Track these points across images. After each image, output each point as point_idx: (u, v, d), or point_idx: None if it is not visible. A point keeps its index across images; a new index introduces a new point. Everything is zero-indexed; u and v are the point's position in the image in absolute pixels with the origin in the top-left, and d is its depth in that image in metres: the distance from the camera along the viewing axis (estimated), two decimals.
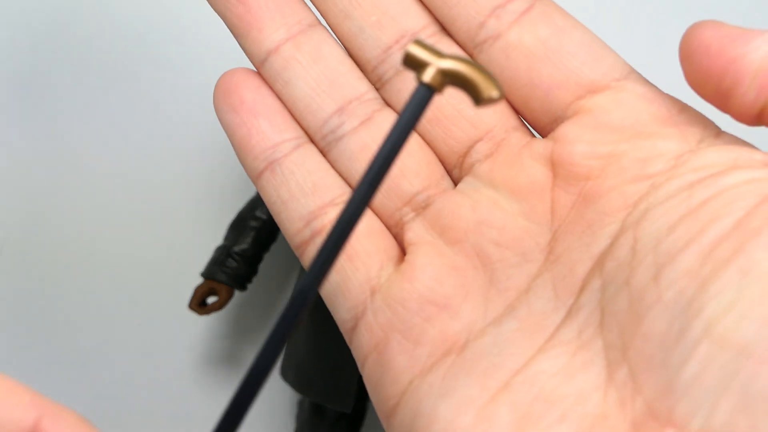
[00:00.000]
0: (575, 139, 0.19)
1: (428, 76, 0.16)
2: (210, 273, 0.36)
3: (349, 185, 0.22)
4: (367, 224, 0.21)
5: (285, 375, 0.37)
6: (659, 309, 0.16)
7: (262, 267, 0.37)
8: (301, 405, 0.38)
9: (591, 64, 0.20)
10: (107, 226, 0.39)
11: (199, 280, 0.37)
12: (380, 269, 0.20)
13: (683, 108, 0.19)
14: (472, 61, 0.16)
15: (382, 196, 0.21)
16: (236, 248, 0.36)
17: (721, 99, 0.18)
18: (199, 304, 0.37)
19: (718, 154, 0.18)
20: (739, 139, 0.19)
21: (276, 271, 0.39)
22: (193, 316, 0.38)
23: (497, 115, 0.21)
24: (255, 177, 0.22)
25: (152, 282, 0.39)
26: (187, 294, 0.37)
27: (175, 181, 0.39)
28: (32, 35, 0.38)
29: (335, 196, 0.21)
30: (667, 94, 0.20)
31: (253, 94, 0.22)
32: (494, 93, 0.16)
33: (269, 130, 0.22)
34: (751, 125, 0.18)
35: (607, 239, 0.18)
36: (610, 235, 0.18)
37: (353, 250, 0.21)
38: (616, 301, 0.17)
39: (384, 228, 0.21)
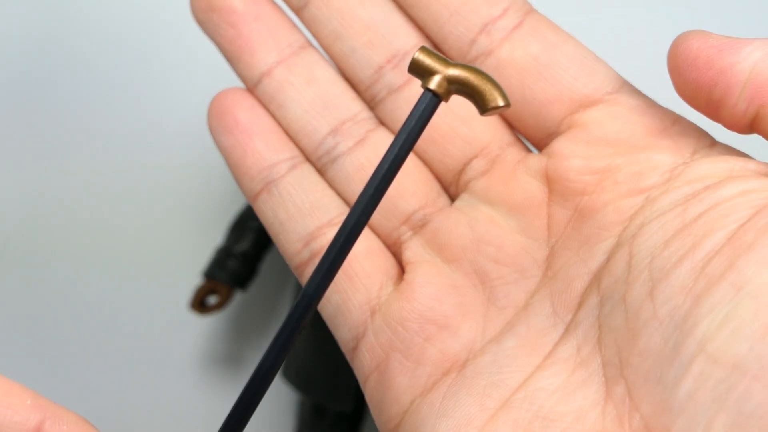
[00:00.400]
0: (569, 155, 0.19)
1: (434, 83, 0.16)
2: (211, 273, 0.36)
3: (347, 205, 0.22)
4: (366, 244, 0.21)
5: (286, 375, 0.37)
6: (654, 325, 0.16)
7: (263, 267, 0.37)
8: (301, 405, 0.38)
9: (584, 78, 0.20)
10: (107, 227, 0.39)
11: (199, 280, 0.37)
12: (380, 289, 0.20)
13: (677, 119, 0.19)
14: (479, 69, 0.16)
15: (379, 216, 0.21)
16: (237, 248, 0.36)
17: (712, 110, 0.18)
18: (199, 304, 0.37)
19: (712, 165, 0.18)
20: (733, 148, 0.19)
21: (276, 271, 0.39)
22: (194, 316, 0.38)
23: (492, 132, 0.21)
24: (252, 198, 0.22)
25: (152, 282, 0.39)
26: (187, 294, 0.37)
27: (176, 181, 0.39)
28: (33, 39, 0.38)
29: (333, 217, 0.21)
30: (660, 106, 0.19)
31: (247, 115, 0.22)
32: (500, 101, 0.16)
33: (265, 150, 0.22)
34: (743, 134, 0.18)
35: (603, 254, 0.18)
36: (606, 250, 0.18)
37: (353, 270, 0.21)
38: (613, 317, 0.17)
39: (383, 247, 0.21)
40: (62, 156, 0.38)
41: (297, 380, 0.36)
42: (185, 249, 0.39)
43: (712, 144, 0.19)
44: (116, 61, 0.38)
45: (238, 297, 0.39)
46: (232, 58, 0.22)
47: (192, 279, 0.37)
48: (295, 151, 0.22)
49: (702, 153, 0.18)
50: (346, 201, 0.22)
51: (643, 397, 0.16)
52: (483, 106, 0.16)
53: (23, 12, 0.38)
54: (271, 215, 0.22)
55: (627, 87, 0.20)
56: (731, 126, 0.18)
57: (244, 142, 0.22)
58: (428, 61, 0.16)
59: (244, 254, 0.36)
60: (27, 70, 0.38)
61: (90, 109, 0.38)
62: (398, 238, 0.21)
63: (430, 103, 0.16)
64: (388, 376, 0.19)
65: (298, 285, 0.37)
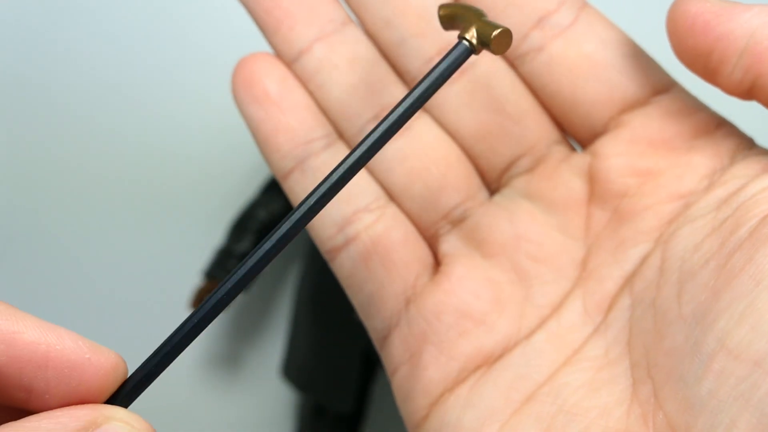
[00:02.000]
0: (612, 154, 0.19)
1: (470, 34, 0.17)
2: (211, 273, 0.36)
3: (385, 191, 0.21)
4: (403, 232, 0.20)
5: (286, 376, 0.37)
6: (679, 324, 0.16)
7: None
8: (302, 406, 0.38)
9: (635, 78, 0.19)
10: (108, 227, 0.39)
11: (199, 280, 0.37)
12: (416, 278, 0.20)
13: (721, 122, 0.19)
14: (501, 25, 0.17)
15: (419, 208, 0.21)
16: (237, 248, 0.36)
17: (710, 76, 0.18)
18: (199, 305, 0.37)
19: (745, 167, 0.18)
20: None
21: (276, 271, 0.39)
22: None
23: (541, 130, 0.20)
24: (282, 176, 0.21)
25: (152, 282, 0.39)
26: (187, 294, 0.37)
27: (176, 181, 0.38)
28: (31, 29, 0.38)
29: (370, 201, 0.20)
30: (706, 108, 0.19)
31: (278, 87, 0.21)
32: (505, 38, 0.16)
33: (299, 126, 0.21)
34: (743, 100, 0.18)
35: (638, 258, 0.18)
36: (641, 255, 0.18)
37: (390, 260, 0.20)
38: (644, 320, 0.17)
39: (419, 236, 0.21)
40: (62, 156, 0.38)
41: (297, 380, 0.36)
42: (185, 249, 0.39)
43: (752, 146, 0.19)
44: (116, 59, 0.38)
45: (238, 297, 0.38)
46: (268, 31, 0.21)
47: (192, 279, 0.37)
48: (329, 128, 0.21)
49: (740, 156, 0.18)
50: (384, 188, 0.21)
51: (666, 396, 0.15)
52: (488, 44, 0.17)
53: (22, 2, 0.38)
54: (303, 196, 0.20)
55: (676, 87, 0.19)
56: (730, 92, 0.18)
57: (275, 117, 0.21)
58: (465, 13, 0.17)
59: (244, 254, 0.36)
60: (23, 63, 0.38)
61: (90, 108, 0.38)
62: (436, 232, 0.21)
63: (463, 56, 0.17)
64: (420, 368, 0.19)
65: (298, 285, 0.37)
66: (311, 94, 0.21)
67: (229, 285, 0.16)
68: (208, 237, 0.38)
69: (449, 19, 0.17)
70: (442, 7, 0.18)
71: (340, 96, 0.21)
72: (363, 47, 0.21)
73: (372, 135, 0.16)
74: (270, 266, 0.40)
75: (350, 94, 0.21)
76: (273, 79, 0.21)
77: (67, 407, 0.13)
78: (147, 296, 0.39)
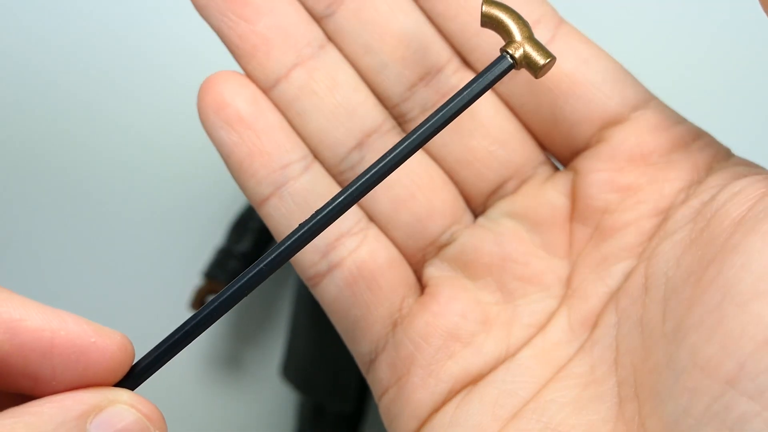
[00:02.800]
0: (593, 170, 0.19)
1: (519, 53, 0.17)
2: (211, 273, 0.36)
3: (367, 216, 0.20)
4: (388, 254, 0.20)
5: (286, 376, 0.37)
6: (662, 341, 0.16)
7: None
8: (301, 405, 0.38)
9: (615, 95, 0.19)
10: (107, 227, 0.39)
11: (199, 280, 0.37)
12: (402, 301, 0.20)
13: (698, 134, 0.19)
14: (544, 45, 0.17)
15: (406, 236, 0.20)
16: (237, 248, 0.36)
17: None
18: (199, 305, 0.37)
19: (720, 176, 0.18)
20: (747, 161, 0.18)
21: (276, 271, 0.39)
22: None
23: (527, 153, 0.20)
24: (258, 203, 0.20)
25: (152, 282, 0.39)
26: (187, 294, 0.37)
27: (176, 181, 0.38)
28: (33, 34, 0.38)
29: (352, 225, 0.20)
30: (684, 121, 0.19)
31: (251, 108, 0.19)
32: (551, 61, 0.17)
33: (274, 150, 0.19)
34: None
35: (621, 275, 0.18)
36: (624, 271, 0.18)
37: (377, 284, 0.20)
38: (631, 338, 0.17)
39: (402, 258, 0.20)
40: (62, 156, 0.38)
41: (297, 380, 0.36)
42: (185, 249, 0.39)
43: (728, 157, 0.19)
44: (116, 59, 0.38)
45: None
46: (242, 57, 0.20)
47: (192, 279, 0.37)
48: (305, 150, 0.20)
49: (717, 168, 0.18)
50: (369, 216, 0.20)
51: (648, 413, 0.15)
52: (536, 73, 0.17)
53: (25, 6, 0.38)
54: (283, 223, 0.20)
55: (654, 102, 0.20)
56: None
57: (249, 141, 0.19)
58: (514, 25, 0.17)
59: (245, 254, 0.36)
60: (27, 64, 0.38)
61: (91, 108, 0.38)
62: (423, 256, 0.20)
63: (507, 70, 0.17)
64: (408, 390, 0.19)
65: (298, 285, 0.37)
66: (290, 121, 0.20)
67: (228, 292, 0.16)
68: (208, 237, 0.38)
69: (493, 20, 0.17)
70: (487, 2, 0.17)
71: (321, 124, 0.20)
72: (342, 72, 0.20)
73: (407, 140, 0.16)
74: None
75: (331, 122, 0.20)
76: (244, 100, 0.19)
77: (71, 391, 0.13)
78: (147, 296, 0.39)
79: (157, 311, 0.39)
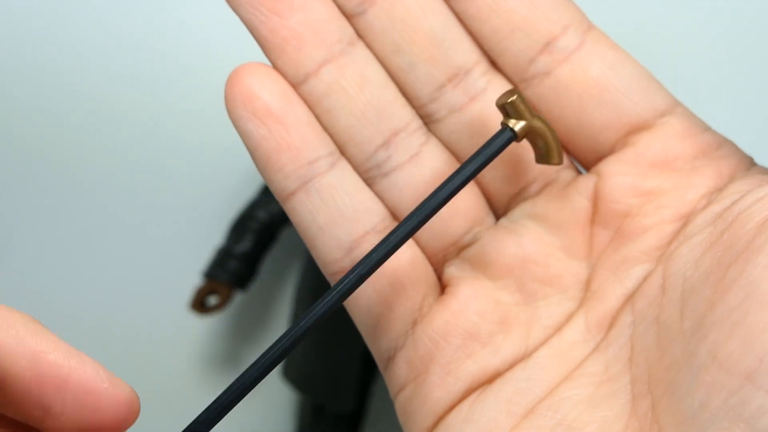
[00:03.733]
0: (616, 174, 0.19)
1: (519, 127, 0.18)
2: (211, 273, 0.36)
3: (392, 214, 0.20)
4: (412, 253, 0.20)
5: (286, 376, 0.37)
6: (679, 339, 0.16)
7: (263, 267, 0.37)
8: (302, 405, 0.38)
9: (642, 102, 0.19)
10: (107, 226, 0.39)
11: (199, 280, 0.37)
12: (423, 299, 0.20)
13: (722, 143, 0.19)
14: (551, 126, 0.19)
15: (428, 236, 0.20)
16: (237, 248, 0.36)
17: None
18: (199, 305, 0.37)
19: (742, 183, 0.18)
20: None
21: (276, 271, 0.39)
22: (194, 317, 0.38)
23: None
24: (284, 197, 0.20)
25: (152, 282, 0.39)
26: (187, 294, 0.37)
27: (176, 181, 0.38)
28: (35, 33, 0.38)
29: (376, 223, 0.20)
30: (708, 129, 0.20)
31: (280, 103, 0.20)
32: (557, 159, 0.19)
33: (302, 145, 0.20)
34: None
35: (640, 277, 0.18)
36: (643, 274, 0.18)
37: (400, 283, 0.20)
38: (646, 337, 0.17)
39: (424, 257, 0.20)
40: (62, 155, 0.38)
41: (297, 380, 0.36)
42: (185, 249, 0.39)
43: (751, 166, 0.19)
44: (118, 58, 0.38)
45: (238, 297, 0.38)
46: (272, 52, 0.20)
47: (192, 279, 0.37)
48: (333, 146, 0.20)
49: (739, 176, 0.18)
50: (392, 214, 0.21)
51: (663, 409, 0.16)
52: (544, 159, 0.19)
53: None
54: (308, 218, 0.20)
55: (679, 108, 0.20)
56: None
57: (278, 135, 0.20)
58: (521, 106, 0.18)
59: (245, 254, 0.36)
60: (28, 65, 0.38)
61: (92, 108, 0.38)
62: (444, 256, 0.21)
63: (507, 142, 0.18)
64: (426, 388, 0.19)
65: (298, 285, 0.37)
66: (318, 118, 0.20)
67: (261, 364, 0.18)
68: (208, 237, 0.38)
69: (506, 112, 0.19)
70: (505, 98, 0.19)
71: (349, 121, 0.20)
72: (372, 69, 0.20)
73: (413, 216, 0.18)
74: (270, 266, 0.40)
75: (359, 119, 0.20)
76: (274, 94, 0.20)
77: None
78: (147, 296, 0.39)
79: (157, 311, 0.39)
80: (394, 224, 0.20)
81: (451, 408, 0.19)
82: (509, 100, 0.18)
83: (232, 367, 0.40)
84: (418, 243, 0.21)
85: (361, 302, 0.20)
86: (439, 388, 0.19)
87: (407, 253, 0.20)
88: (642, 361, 0.17)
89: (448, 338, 0.19)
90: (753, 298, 0.14)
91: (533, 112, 0.19)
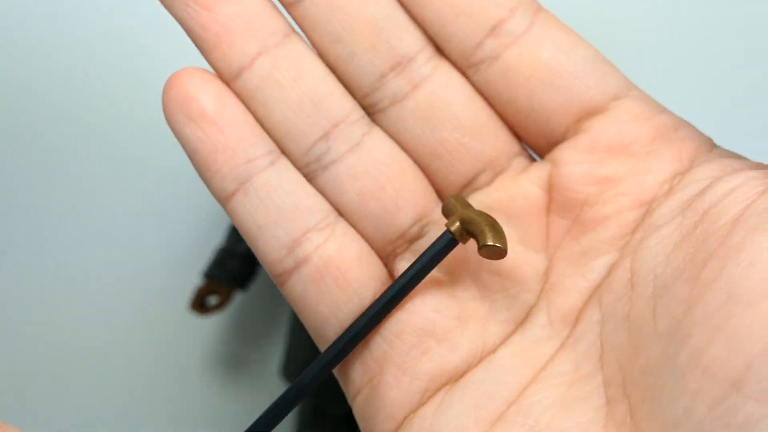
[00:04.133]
0: (572, 161, 0.19)
1: (454, 225, 0.18)
2: (211, 273, 0.36)
3: (336, 209, 0.20)
4: (358, 249, 0.19)
5: (286, 376, 0.37)
6: (654, 340, 0.15)
7: (263, 267, 0.37)
8: (302, 407, 0.38)
9: (594, 85, 0.19)
10: (107, 226, 0.39)
11: (199, 280, 0.37)
12: (373, 297, 0.19)
13: (679, 124, 0.19)
14: (490, 216, 0.18)
15: (374, 229, 0.20)
16: (237, 248, 0.36)
17: None
18: (199, 305, 0.37)
19: (706, 168, 0.17)
20: (732, 152, 0.18)
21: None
22: (194, 317, 0.38)
23: (501, 144, 0.20)
24: (223, 199, 0.20)
25: (152, 282, 0.39)
26: (187, 294, 0.37)
27: (176, 181, 0.38)
28: (28, 39, 0.38)
29: (319, 220, 0.20)
30: (665, 111, 0.19)
31: (215, 104, 0.20)
32: (499, 245, 0.18)
33: (238, 145, 0.20)
34: None
35: (603, 269, 0.18)
36: (607, 265, 0.18)
37: (344, 277, 0.19)
38: (616, 336, 0.16)
39: (373, 252, 0.20)
40: (63, 155, 0.38)
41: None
42: (185, 249, 0.39)
43: (712, 148, 0.18)
44: (119, 57, 0.38)
45: (238, 297, 0.38)
46: (206, 47, 0.20)
47: (192, 279, 0.37)
48: (272, 145, 0.20)
49: (701, 158, 0.18)
50: (336, 208, 0.20)
51: (643, 416, 0.15)
52: (484, 251, 0.18)
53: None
54: (248, 219, 0.20)
55: (634, 91, 0.19)
56: None
57: (213, 136, 0.20)
58: (454, 203, 0.18)
59: (245, 254, 0.36)
60: (23, 67, 0.38)
61: (92, 107, 0.38)
62: (393, 251, 0.20)
63: (447, 244, 0.18)
64: (382, 391, 0.19)
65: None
66: (253, 113, 0.20)
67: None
68: (208, 237, 0.38)
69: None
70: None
71: (285, 114, 0.20)
72: (309, 61, 0.20)
73: (358, 321, 0.18)
74: None
75: (295, 112, 0.20)
76: (209, 96, 0.20)
77: None
78: (147, 296, 0.39)
79: (157, 311, 0.39)
80: (339, 221, 0.20)
81: (411, 412, 0.18)
82: (444, 203, 0.18)
83: (232, 367, 0.40)
84: (364, 237, 0.20)
85: (306, 302, 0.20)
86: (396, 389, 0.18)
87: (353, 249, 0.19)
88: (613, 361, 0.16)
89: (402, 336, 0.19)
90: (736, 300, 0.14)
91: (467, 205, 0.18)
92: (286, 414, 0.18)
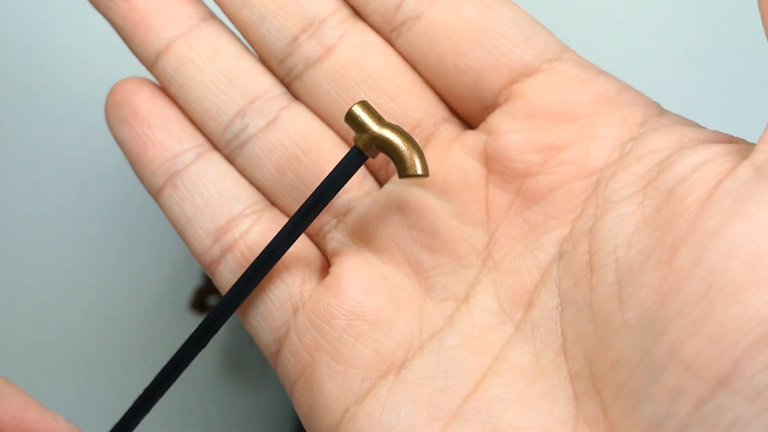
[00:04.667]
0: (509, 130, 0.18)
1: (362, 142, 0.17)
2: None
3: (260, 193, 0.20)
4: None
5: None
6: (624, 332, 0.14)
7: None
8: None
9: (522, 44, 0.18)
10: (107, 226, 0.39)
11: (199, 280, 0.37)
12: (302, 284, 0.19)
13: (621, 88, 0.18)
14: (407, 134, 0.17)
15: (296, 204, 0.19)
16: None
17: None
18: (199, 305, 0.37)
19: (661, 138, 0.16)
20: (682, 117, 0.17)
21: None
22: (194, 317, 0.38)
23: (424, 107, 0.19)
24: (155, 193, 0.21)
25: (152, 282, 0.39)
26: (187, 294, 0.37)
27: None
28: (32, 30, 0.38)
29: (245, 207, 0.19)
30: (605, 73, 0.18)
31: (146, 104, 0.20)
32: (420, 170, 0.17)
33: (167, 140, 0.20)
34: None
35: (554, 246, 0.17)
36: (557, 242, 0.17)
37: (269, 265, 0.19)
38: (580, 324, 0.15)
39: (305, 237, 0.19)
40: (63, 155, 0.38)
41: None
42: (185, 249, 0.39)
43: (661, 113, 0.17)
44: (119, 56, 0.38)
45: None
46: (127, 37, 0.20)
47: (192, 279, 0.37)
48: (201, 140, 0.20)
49: (650, 124, 0.17)
50: (258, 188, 0.20)
51: (618, 415, 0.14)
52: (402, 171, 0.17)
53: None
54: (177, 211, 0.20)
55: (568, 53, 0.18)
56: None
57: (143, 133, 0.20)
58: (362, 117, 0.17)
59: None
60: (23, 60, 0.38)
61: (92, 107, 0.38)
62: (321, 228, 0.19)
63: (354, 159, 0.17)
64: (317, 381, 0.18)
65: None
66: (173, 96, 0.20)
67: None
68: None
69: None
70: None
71: (201, 93, 0.20)
72: (223, 40, 0.20)
73: (276, 239, 0.17)
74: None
75: (211, 90, 0.20)
76: (140, 97, 0.20)
77: None
78: (147, 296, 0.39)
79: (157, 311, 0.39)
80: (268, 208, 0.20)
81: (353, 404, 0.17)
82: (349, 110, 0.17)
83: (231, 367, 0.40)
84: (287, 215, 0.19)
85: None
86: (331, 379, 0.17)
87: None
88: (579, 354, 0.15)
89: (332, 322, 0.18)
90: (717, 290, 0.13)
91: (382, 120, 0.17)
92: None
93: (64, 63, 0.38)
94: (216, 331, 0.18)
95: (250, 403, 0.40)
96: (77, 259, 0.39)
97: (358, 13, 0.20)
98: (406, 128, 0.19)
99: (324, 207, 0.17)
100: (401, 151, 0.17)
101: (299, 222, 0.17)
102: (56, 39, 0.38)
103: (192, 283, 0.37)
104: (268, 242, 0.17)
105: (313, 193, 0.17)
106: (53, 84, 0.38)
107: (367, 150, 0.17)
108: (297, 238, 0.18)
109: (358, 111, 0.17)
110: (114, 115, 0.21)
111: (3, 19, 0.38)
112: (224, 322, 0.18)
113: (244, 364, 0.40)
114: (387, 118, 0.18)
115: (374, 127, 0.17)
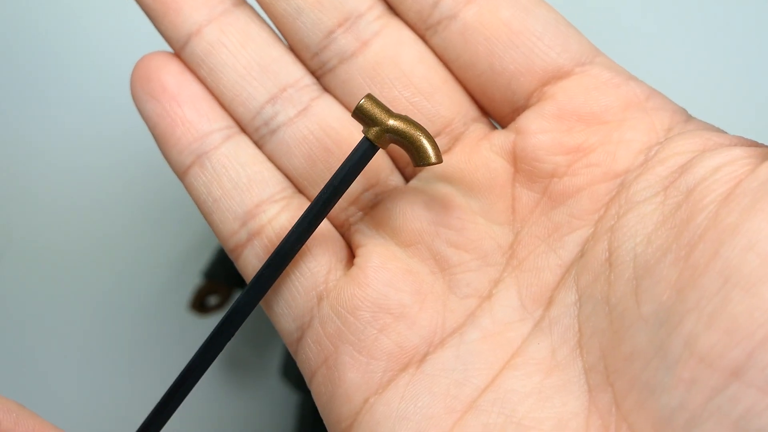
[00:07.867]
0: (538, 130, 0.18)
1: (373, 134, 0.17)
2: (211, 273, 0.36)
3: (289, 180, 0.20)
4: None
5: (286, 376, 0.37)
6: (639, 326, 0.14)
7: None
8: (302, 406, 0.38)
9: (558, 47, 0.18)
10: (107, 226, 0.39)
11: (199, 280, 0.37)
12: (328, 273, 0.19)
13: (651, 93, 0.18)
14: (418, 123, 0.17)
15: None
16: None
17: None
18: (199, 305, 0.37)
19: (686, 142, 0.16)
20: (709, 124, 0.17)
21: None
22: (194, 316, 0.38)
23: (456, 107, 0.19)
24: (181, 173, 0.20)
25: (152, 282, 0.39)
26: (187, 294, 0.37)
27: (176, 181, 0.38)
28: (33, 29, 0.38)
29: (274, 192, 0.19)
30: (635, 79, 0.18)
31: (175, 80, 0.20)
32: (433, 158, 0.17)
33: (196, 119, 0.20)
34: None
35: (577, 245, 0.17)
36: (580, 241, 0.17)
37: (298, 252, 0.19)
38: (596, 319, 0.16)
39: (331, 227, 0.19)
40: (63, 154, 0.38)
41: (297, 380, 0.36)
42: (185, 249, 0.39)
43: (687, 120, 0.18)
44: (119, 55, 0.38)
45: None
46: (155, 17, 0.20)
47: (192, 279, 0.37)
48: (230, 120, 0.20)
49: (677, 129, 0.17)
50: (287, 176, 0.20)
51: (630, 406, 0.14)
52: (417, 161, 0.17)
53: None
54: (203, 192, 0.20)
55: (600, 57, 0.19)
56: None
57: (172, 110, 0.20)
58: (372, 110, 0.17)
59: None
60: (22, 60, 0.38)
61: (92, 106, 0.38)
62: (346, 220, 0.19)
63: (367, 151, 0.17)
64: (338, 371, 0.18)
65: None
66: (203, 80, 0.20)
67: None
68: (208, 237, 0.38)
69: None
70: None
71: (232, 79, 0.20)
72: (255, 27, 0.20)
73: (292, 233, 0.17)
74: None
75: (243, 76, 0.20)
76: (170, 73, 0.20)
77: None
78: (147, 296, 0.39)
79: (157, 311, 0.39)
80: (296, 195, 0.20)
81: (372, 394, 0.17)
82: (357, 105, 0.17)
83: (231, 367, 0.40)
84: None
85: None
86: (354, 369, 0.17)
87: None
88: (595, 348, 0.15)
89: (357, 313, 0.18)
90: (734, 284, 0.13)
91: (391, 111, 0.17)
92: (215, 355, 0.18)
93: (64, 63, 0.38)
94: (247, 315, 0.18)
95: (250, 403, 0.40)
96: (77, 259, 0.39)
97: (394, 9, 0.20)
98: (438, 127, 0.19)
99: (337, 201, 0.18)
100: (415, 140, 0.17)
101: (315, 217, 0.18)
102: (60, 30, 0.38)
103: (192, 283, 0.37)
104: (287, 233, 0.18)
105: (325, 187, 0.17)
106: (48, 91, 0.38)
107: (378, 140, 0.17)
108: (312, 232, 0.18)
109: (368, 104, 0.17)
110: (141, 90, 0.20)
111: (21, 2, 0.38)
112: (254, 307, 0.18)
113: (245, 365, 0.40)
114: (395, 110, 0.18)
115: (385, 118, 0.17)
